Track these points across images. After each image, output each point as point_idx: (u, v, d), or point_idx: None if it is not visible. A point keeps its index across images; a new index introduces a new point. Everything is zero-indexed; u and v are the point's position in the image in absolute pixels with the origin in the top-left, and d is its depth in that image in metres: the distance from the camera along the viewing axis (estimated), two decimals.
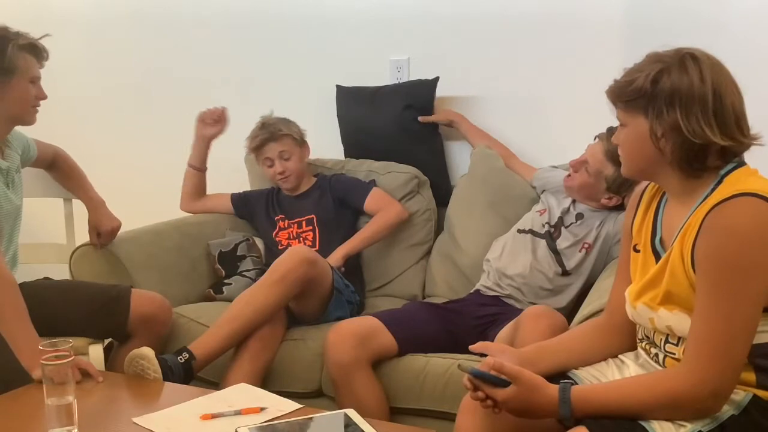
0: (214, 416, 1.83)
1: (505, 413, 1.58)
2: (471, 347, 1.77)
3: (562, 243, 2.61)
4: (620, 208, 2.58)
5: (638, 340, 1.69)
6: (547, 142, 3.01)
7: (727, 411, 1.50)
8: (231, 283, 2.89)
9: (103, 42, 3.77)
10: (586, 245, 2.59)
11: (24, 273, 2.46)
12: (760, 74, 2.58)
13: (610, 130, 2.44)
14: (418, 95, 3.08)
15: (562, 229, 2.63)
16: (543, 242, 2.63)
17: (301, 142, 3.04)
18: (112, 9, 3.73)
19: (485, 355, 1.71)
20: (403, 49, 3.21)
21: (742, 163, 1.56)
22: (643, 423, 1.49)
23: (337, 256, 2.80)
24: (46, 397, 1.73)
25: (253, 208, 3.12)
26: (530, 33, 3.00)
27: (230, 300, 2.63)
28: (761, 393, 1.51)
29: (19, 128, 2.51)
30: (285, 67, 3.43)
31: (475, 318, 2.56)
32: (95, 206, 2.72)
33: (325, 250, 2.80)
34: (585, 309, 2.12)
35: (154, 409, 1.90)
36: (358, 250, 2.91)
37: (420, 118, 3.06)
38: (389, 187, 3.03)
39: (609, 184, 2.55)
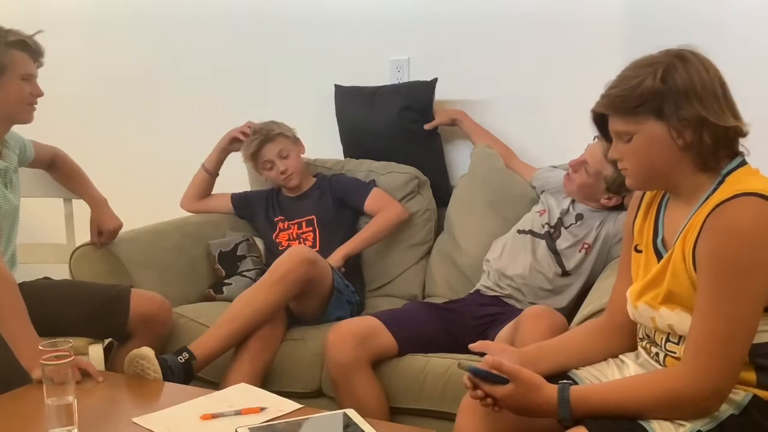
0: (214, 416, 1.83)
1: (504, 413, 1.58)
2: (471, 346, 1.77)
3: (561, 243, 2.61)
4: (620, 208, 2.58)
5: (639, 340, 1.69)
6: (547, 142, 3.01)
7: (726, 410, 1.50)
8: (231, 283, 2.89)
9: (103, 41, 3.77)
10: (585, 245, 2.59)
11: (24, 273, 2.46)
12: (760, 74, 2.58)
13: None
14: (418, 96, 3.08)
15: (562, 229, 2.63)
16: (543, 243, 2.63)
17: (295, 140, 3.05)
18: (112, 9, 3.73)
19: (485, 355, 1.71)
20: (403, 49, 3.21)
21: (743, 163, 1.57)
22: (642, 422, 1.49)
23: (337, 256, 2.80)
24: (46, 397, 1.73)
25: (253, 209, 3.12)
26: (530, 33, 3.00)
27: (230, 300, 2.62)
28: (761, 393, 1.51)
29: (16, 129, 2.50)
30: (285, 66, 3.42)
31: (475, 318, 2.55)
32: (98, 204, 2.71)
33: (326, 251, 2.80)
34: (585, 309, 2.12)
35: (154, 409, 1.90)
36: (359, 250, 2.91)
37: (426, 126, 3.06)
38: (389, 188, 3.03)
39: (608, 185, 2.54)
